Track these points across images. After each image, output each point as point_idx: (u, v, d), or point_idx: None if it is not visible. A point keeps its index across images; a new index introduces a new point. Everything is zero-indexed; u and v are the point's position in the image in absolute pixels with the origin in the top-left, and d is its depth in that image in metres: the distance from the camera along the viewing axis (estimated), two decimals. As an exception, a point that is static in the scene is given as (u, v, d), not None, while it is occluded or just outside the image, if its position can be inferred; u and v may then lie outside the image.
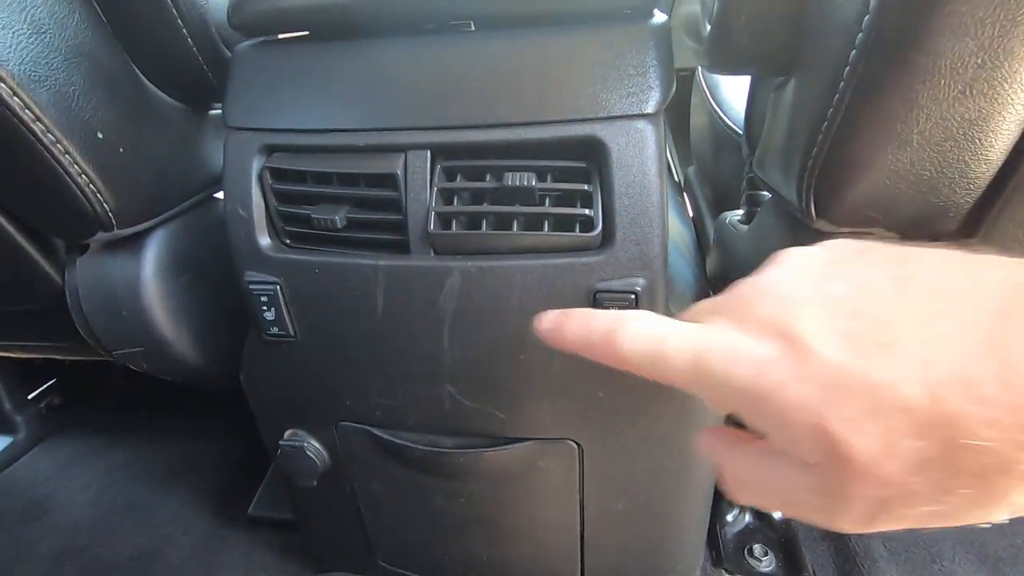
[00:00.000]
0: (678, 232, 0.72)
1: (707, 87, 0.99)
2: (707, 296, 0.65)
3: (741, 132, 0.83)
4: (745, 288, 0.24)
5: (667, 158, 0.53)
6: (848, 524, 0.19)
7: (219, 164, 0.59)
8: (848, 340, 0.19)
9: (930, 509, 0.17)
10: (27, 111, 0.40)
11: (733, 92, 0.95)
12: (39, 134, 0.41)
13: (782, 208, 0.49)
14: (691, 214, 1.06)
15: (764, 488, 0.22)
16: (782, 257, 0.24)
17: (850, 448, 0.18)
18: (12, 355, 0.80)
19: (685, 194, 1.12)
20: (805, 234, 0.45)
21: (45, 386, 1.11)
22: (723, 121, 0.91)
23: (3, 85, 0.38)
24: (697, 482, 0.53)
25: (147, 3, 0.46)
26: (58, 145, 0.42)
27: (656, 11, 0.42)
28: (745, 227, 0.63)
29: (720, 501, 0.77)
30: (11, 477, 0.95)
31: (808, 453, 0.19)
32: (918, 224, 0.38)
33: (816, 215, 0.39)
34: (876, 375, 0.18)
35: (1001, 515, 0.17)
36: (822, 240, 0.43)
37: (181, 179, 0.55)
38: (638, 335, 0.25)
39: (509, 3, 0.40)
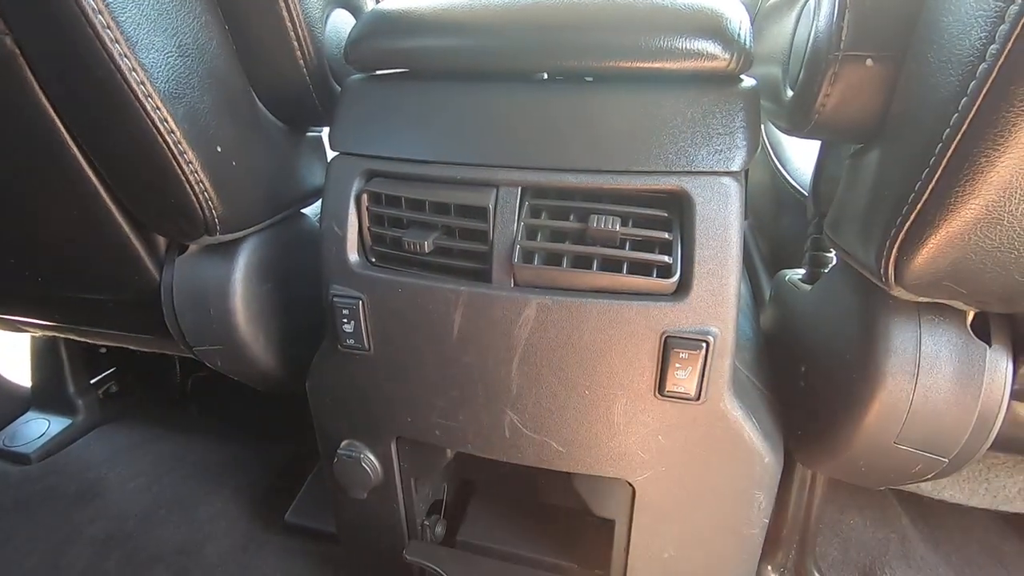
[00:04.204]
0: (738, 285, 0.72)
1: (770, 144, 1.00)
2: (765, 350, 0.65)
3: (805, 192, 0.84)
4: None
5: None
6: None
7: (310, 182, 0.64)
8: None
9: None
10: (164, 123, 0.44)
11: (796, 151, 0.96)
12: (171, 144, 0.45)
13: (853, 272, 0.50)
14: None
15: None
16: None
17: None
18: (89, 340, 0.86)
19: None
20: (876, 299, 0.45)
21: (105, 373, 1.17)
22: (786, 180, 0.92)
23: (150, 101, 0.43)
24: (747, 541, 0.53)
25: (275, 37, 0.50)
26: (185, 155, 0.46)
27: (745, 76, 0.44)
28: (807, 287, 0.63)
29: (762, 566, 0.75)
30: (67, 458, 1.00)
31: None
32: (1002, 300, 0.38)
33: (895, 283, 0.40)
34: None
35: None
36: (894, 306, 0.43)
37: (277, 193, 0.59)
38: None
39: (615, 61, 0.43)
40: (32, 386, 1.12)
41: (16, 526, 0.85)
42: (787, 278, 0.70)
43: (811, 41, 0.47)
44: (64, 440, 1.04)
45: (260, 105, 0.56)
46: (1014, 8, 0.28)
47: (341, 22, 0.57)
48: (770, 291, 0.76)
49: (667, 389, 0.44)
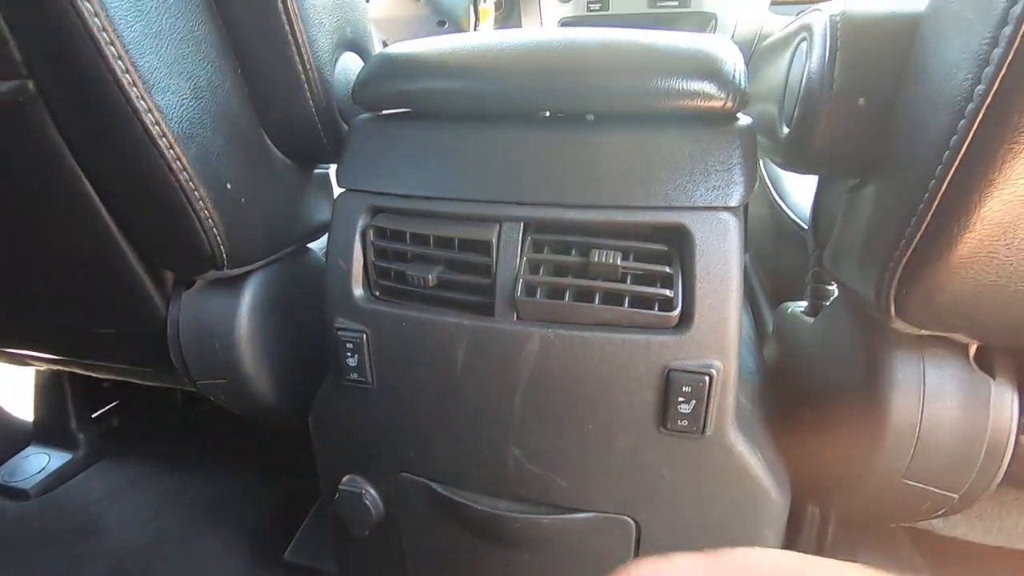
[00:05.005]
0: (741, 318, 0.72)
1: (769, 178, 1.02)
2: (768, 384, 0.65)
3: (804, 226, 0.84)
4: None
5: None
6: None
7: (316, 218, 0.65)
8: None
9: None
10: (177, 162, 0.46)
11: (795, 186, 0.97)
12: (183, 182, 0.47)
13: (855, 305, 0.50)
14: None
15: None
16: None
17: None
18: (93, 374, 0.86)
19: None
20: (878, 332, 0.46)
21: (108, 408, 1.17)
22: (785, 213, 0.93)
23: (164, 140, 0.44)
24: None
25: (286, 79, 0.52)
26: (196, 193, 0.48)
27: (742, 115, 0.46)
28: (810, 319, 0.64)
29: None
30: (67, 493, 0.99)
31: None
32: (1003, 333, 0.38)
33: (895, 315, 0.40)
34: None
35: None
36: (896, 339, 0.43)
37: (284, 228, 0.60)
38: None
39: (615, 103, 0.44)
40: (34, 420, 1.12)
41: (14, 563, 0.84)
42: (789, 311, 0.70)
43: (804, 82, 0.48)
44: (64, 475, 1.03)
45: (269, 143, 0.58)
46: (998, 51, 0.30)
47: (349, 64, 0.59)
48: (773, 324, 0.76)
49: (670, 423, 0.43)
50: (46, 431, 1.10)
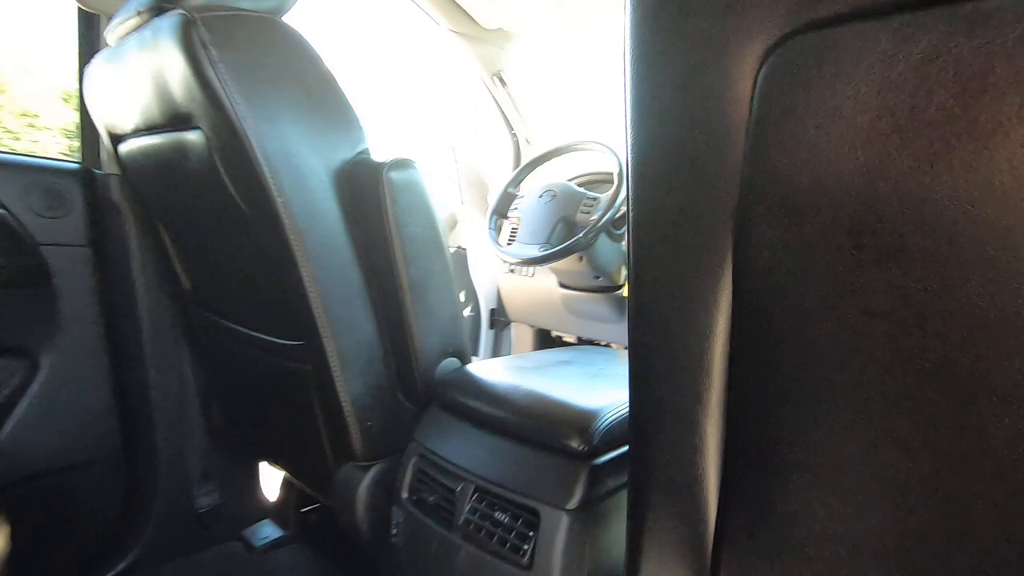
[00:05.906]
0: None
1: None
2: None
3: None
4: None
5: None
6: None
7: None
8: None
9: None
10: (354, 421, 1.00)
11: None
12: (350, 427, 1.01)
13: None
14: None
15: None
16: None
17: None
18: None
19: None
20: None
21: (313, 507, 1.79)
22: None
23: (349, 412, 1.00)
24: None
25: (409, 370, 1.06)
26: (355, 427, 1.01)
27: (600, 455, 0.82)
28: None
29: None
30: (273, 558, 1.59)
31: None
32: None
33: None
34: None
35: None
36: None
37: (395, 440, 1.11)
38: None
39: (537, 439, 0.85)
40: (275, 500, 1.79)
41: (234, 592, 1.42)
42: None
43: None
44: (275, 546, 1.64)
45: (400, 395, 1.11)
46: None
47: (451, 365, 1.11)
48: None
49: (513, 624, 0.77)
50: (278, 511, 1.75)
